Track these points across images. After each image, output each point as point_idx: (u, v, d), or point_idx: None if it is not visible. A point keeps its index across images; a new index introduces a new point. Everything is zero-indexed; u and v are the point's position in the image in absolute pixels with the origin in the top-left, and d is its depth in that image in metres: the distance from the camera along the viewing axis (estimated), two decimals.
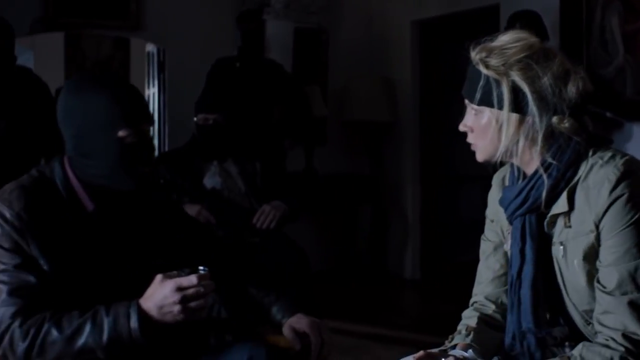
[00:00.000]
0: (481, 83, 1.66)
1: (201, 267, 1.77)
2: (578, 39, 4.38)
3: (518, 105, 1.64)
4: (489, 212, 1.92)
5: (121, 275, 1.88)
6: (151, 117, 1.94)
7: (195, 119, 3.69)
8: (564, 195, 1.66)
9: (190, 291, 1.72)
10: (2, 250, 1.79)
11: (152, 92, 5.93)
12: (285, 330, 2.01)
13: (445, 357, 1.69)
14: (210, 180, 3.60)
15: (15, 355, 1.73)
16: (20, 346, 1.72)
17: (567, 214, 1.66)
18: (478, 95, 1.67)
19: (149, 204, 2.01)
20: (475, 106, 1.69)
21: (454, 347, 1.81)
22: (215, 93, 4.57)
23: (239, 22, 4.92)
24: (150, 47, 5.90)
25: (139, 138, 1.86)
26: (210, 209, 3.47)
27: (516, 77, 1.62)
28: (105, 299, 1.81)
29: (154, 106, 5.81)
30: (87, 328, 1.74)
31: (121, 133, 1.83)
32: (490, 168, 5.16)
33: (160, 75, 5.72)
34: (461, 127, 1.76)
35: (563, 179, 1.66)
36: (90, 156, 1.86)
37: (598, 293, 1.62)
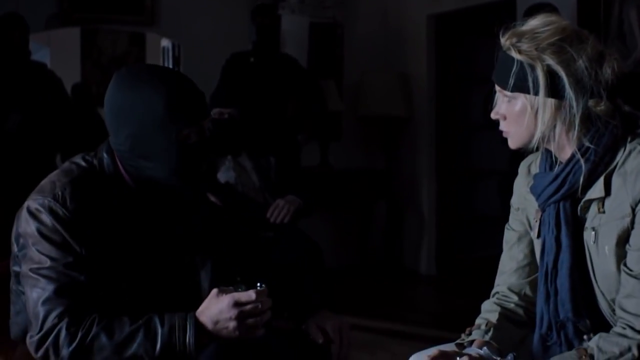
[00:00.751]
0: (514, 69, 1.63)
1: (259, 283, 1.71)
2: (596, 32, 4.32)
3: (554, 89, 1.60)
4: (515, 201, 1.88)
5: (156, 269, 1.84)
6: (208, 109, 1.84)
7: (210, 113, 3.66)
8: (601, 180, 1.62)
9: (248, 307, 1.66)
10: (51, 246, 1.70)
11: None
12: (310, 326, 1.98)
13: (460, 357, 1.67)
14: (224, 174, 3.58)
15: (59, 358, 1.66)
16: (66, 349, 1.65)
17: (602, 199, 1.63)
18: (511, 82, 1.63)
19: (191, 198, 1.96)
20: (508, 93, 1.66)
21: (471, 342, 1.78)
22: (230, 87, 4.57)
23: (254, 17, 4.90)
24: (165, 43, 5.90)
25: (200, 136, 1.77)
26: (224, 204, 3.45)
27: (550, 61, 1.59)
28: (144, 296, 1.78)
29: None
30: (140, 337, 1.66)
31: (185, 132, 1.73)
32: (506, 162, 5.13)
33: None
34: (493, 115, 1.73)
35: (601, 163, 1.62)
36: (150, 158, 1.76)
37: (623, 276, 1.59)
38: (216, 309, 1.67)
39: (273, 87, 4.78)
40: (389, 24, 6.28)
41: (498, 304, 1.87)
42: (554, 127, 1.63)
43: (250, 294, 1.66)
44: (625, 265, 1.59)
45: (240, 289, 1.69)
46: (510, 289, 1.87)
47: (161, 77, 1.75)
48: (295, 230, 3.53)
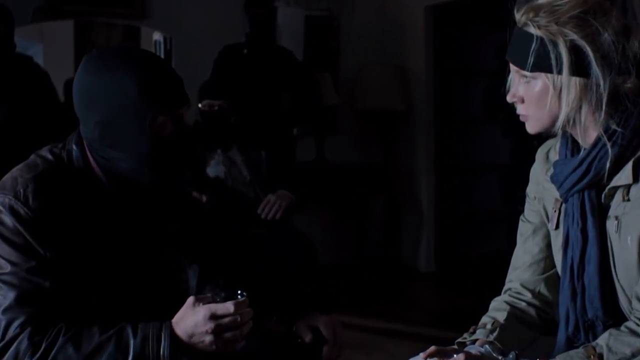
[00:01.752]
0: (534, 46, 1.49)
1: (239, 292, 1.57)
2: None
3: (579, 67, 1.46)
4: (531, 190, 1.75)
5: (133, 270, 1.70)
6: (187, 96, 1.67)
7: (199, 105, 3.54)
8: (629, 166, 1.49)
9: (226, 320, 1.51)
10: (12, 249, 1.55)
11: None
12: (300, 326, 1.85)
13: (456, 354, 1.53)
14: (214, 169, 3.45)
15: None
16: None
17: (628, 186, 1.49)
18: (531, 60, 1.50)
19: (167, 193, 1.82)
20: (527, 72, 1.52)
21: (474, 341, 1.65)
22: (221, 79, 4.45)
23: (247, 8, 4.78)
24: (157, 36, 5.75)
25: (177, 126, 1.62)
26: (214, 199, 3.32)
27: (574, 35, 1.46)
28: (116, 298, 1.65)
29: None
30: (110, 347, 1.52)
31: (159, 119, 1.59)
32: (509, 156, 5.00)
33: None
34: (509, 98, 1.59)
35: (629, 147, 1.49)
36: (120, 148, 1.61)
37: None
38: (191, 321, 1.53)
39: (267, 80, 4.67)
40: (386, 16, 6.14)
41: (508, 302, 1.74)
42: (580, 108, 1.49)
43: (228, 307, 1.52)
44: None
45: (218, 299, 1.54)
46: (523, 286, 1.74)
47: (135, 59, 1.60)
48: (288, 228, 3.39)
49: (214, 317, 1.51)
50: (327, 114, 5.83)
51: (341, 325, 1.85)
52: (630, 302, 1.51)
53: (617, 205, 1.52)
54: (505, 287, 1.79)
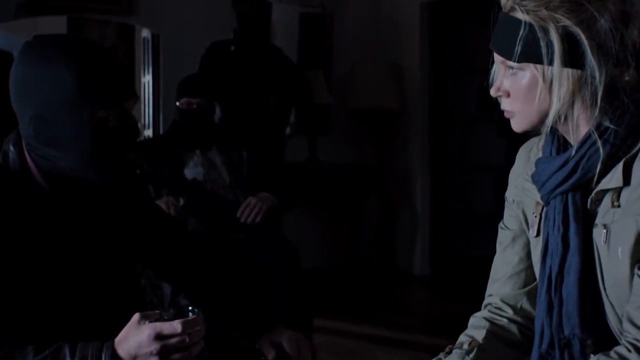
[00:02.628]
0: (522, 33, 1.32)
1: (190, 308, 1.42)
2: None
3: (572, 57, 1.30)
4: (510, 193, 1.60)
5: (82, 279, 1.56)
6: (134, 88, 1.55)
7: (177, 103, 3.39)
8: (619, 167, 1.33)
9: (173, 341, 1.37)
10: None
11: (146, 80, 5.65)
12: (263, 342, 1.72)
13: None
14: (192, 171, 3.30)
15: None
16: None
17: (618, 190, 1.34)
18: (518, 49, 1.33)
19: (114, 193, 1.67)
20: (514, 63, 1.35)
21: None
22: (201, 76, 4.31)
23: (235, 4, 4.65)
24: (145, 33, 5.62)
25: (121, 121, 1.50)
26: (191, 202, 3.18)
27: (567, 21, 1.30)
28: (60, 312, 1.51)
29: (148, 95, 5.53)
30: None
31: (99, 114, 1.47)
32: (503, 156, 4.83)
33: (155, 62, 5.44)
34: (493, 92, 1.42)
35: (622, 146, 1.33)
36: (58, 145, 1.49)
37: (636, 282, 1.29)
38: (135, 341, 1.38)
39: (254, 78, 4.54)
40: (380, 12, 6.00)
41: (488, 319, 1.59)
42: (572, 103, 1.34)
43: (175, 326, 1.37)
44: (639, 268, 1.30)
45: (166, 316, 1.40)
46: (503, 301, 1.59)
47: (74, 48, 1.47)
48: (267, 232, 3.24)
49: (159, 337, 1.37)
50: (320, 113, 5.71)
51: (308, 343, 1.72)
52: (620, 322, 1.35)
53: (605, 212, 1.36)
54: (485, 302, 1.64)
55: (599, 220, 1.37)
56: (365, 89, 5.70)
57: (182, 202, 3.17)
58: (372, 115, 5.89)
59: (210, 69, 4.53)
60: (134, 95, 1.53)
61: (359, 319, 4.50)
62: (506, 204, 1.62)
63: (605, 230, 1.35)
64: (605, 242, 1.35)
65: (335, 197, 5.81)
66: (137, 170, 2.89)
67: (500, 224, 1.64)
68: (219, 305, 1.81)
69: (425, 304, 5.37)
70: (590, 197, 1.38)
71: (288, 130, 5.61)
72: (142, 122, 5.55)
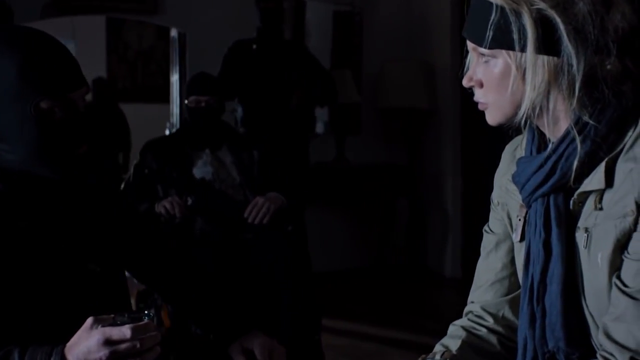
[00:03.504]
0: (493, 18, 1.23)
1: (146, 312, 1.36)
2: None
3: (547, 43, 1.21)
4: (495, 194, 1.51)
5: (47, 283, 1.50)
6: (83, 78, 1.51)
7: (186, 101, 3.35)
8: (602, 167, 1.23)
9: (122, 347, 1.31)
10: None
11: (174, 79, 5.64)
12: (234, 349, 1.66)
13: None
14: (201, 169, 3.25)
15: None
16: None
17: (601, 192, 1.24)
18: (489, 35, 1.24)
19: (80, 190, 1.62)
20: (485, 50, 1.26)
21: None
22: (228, 76, 4.29)
23: (258, 1, 4.60)
24: (174, 33, 5.61)
25: (68, 112, 1.46)
26: (199, 202, 3.12)
27: (541, 4, 1.20)
28: (26, 320, 1.46)
29: (174, 94, 5.50)
30: None
31: (43, 105, 1.42)
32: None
33: (182, 61, 5.41)
34: (465, 82, 1.35)
35: (603, 144, 1.23)
36: (4, 138, 1.45)
37: (615, 292, 1.20)
38: (84, 346, 1.31)
39: (276, 77, 4.48)
40: (411, 9, 5.90)
41: (466, 328, 1.49)
42: (548, 93, 1.24)
43: (124, 331, 1.30)
44: (618, 277, 1.20)
45: (119, 321, 1.33)
46: (484, 309, 1.50)
47: (18, 38, 1.43)
48: (274, 233, 3.16)
49: (108, 342, 1.30)
50: (349, 113, 5.66)
51: (282, 350, 1.64)
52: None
53: (587, 215, 1.26)
54: (466, 309, 1.55)
55: (581, 223, 1.27)
56: (396, 88, 5.61)
57: (190, 201, 3.12)
58: (403, 114, 5.79)
59: (232, 68, 4.49)
60: (82, 84, 1.48)
61: (384, 322, 4.43)
62: (492, 206, 1.53)
63: (586, 234, 1.25)
64: (586, 247, 1.25)
65: (365, 198, 5.73)
66: (145, 170, 2.84)
67: (485, 227, 1.55)
68: (193, 308, 1.75)
69: (455, 308, 5.24)
70: (573, 198, 1.28)
71: (318, 129, 5.57)
72: (171, 121, 5.53)
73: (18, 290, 1.47)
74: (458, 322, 1.53)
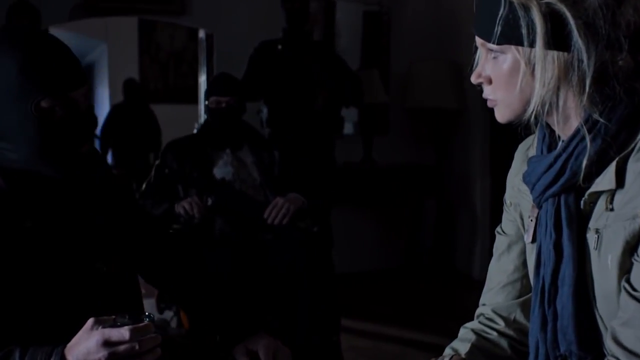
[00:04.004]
0: (502, 12, 1.21)
1: (147, 314, 1.37)
2: None
3: (557, 38, 1.18)
4: (507, 195, 1.50)
5: (52, 283, 1.51)
6: (84, 77, 1.50)
7: (206, 102, 3.35)
8: (612, 166, 1.20)
9: (122, 348, 1.31)
10: None
11: (202, 80, 5.66)
12: (238, 350, 1.65)
13: None
14: (221, 170, 3.25)
15: None
16: None
17: (612, 192, 1.20)
18: (498, 30, 1.23)
19: (85, 189, 1.61)
20: (494, 46, 1.25)
21: None
22: (254, 77, 4.28)
23: (283, 1, 4.58)
24: (202, 34, 5.63)
25: (69, 111, 1.46)
26: (219, 202, 3.12)
27: None
28: (32, 320, 1.46)
29: (202, 95, 5.53)
30: None
31: (44, 104, 1.43)
32: None
33: (209, 62, 5.43)
34: (474, 79, 1.33)
35: (614, 143, 1.20)
36: (6, 137, 1.46)
37: (623, 296, 1.17)
38: (84, 347, 1.32)
39: (301, 77, 4.47)
40: (439, 8, 5.83)
41: (476, 331, 1.47)
42: (557, 90, 1.21)
43: (123, 332, 1.30)
44: (627, 281, 1.17)
45: (119, 322, 1.34)
46: (495, 312, 1.47)
47: (18, 37, 1.43)
48: (294, 234, 3.14)
49: (107, 343, 1.31)
50: (377, 113, 5.62)
51: (287, 351, 1.63)
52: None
53: (599, 215, 1.22)
54: (477, 312, 1.52)
55: (592, 223, 1.24)
56: (424, 88, 5.56)
57: (210, 201, 3.12)
58: (431, 114, 5.74)
59: (258, 69, 4.48)
60: (82, 83, 1.48)
61: (409, 324, 4.38)
62: (505, 207, 1.51)
63: (597, 236, 1.22)
64: (596, 249, 1.22)
65: (393, 199, 5.69)
66: (165, 170, 2.84)
67: (497, 229, 1.53)
68: (200, 309, 1.74)
69: None
70: (584, 198, 1.25)
71: (347, 129, 5.54)
72: (199, 122, 5.55)
73: (24, 291, 1.48)
74: (469, 324, 1.51)
